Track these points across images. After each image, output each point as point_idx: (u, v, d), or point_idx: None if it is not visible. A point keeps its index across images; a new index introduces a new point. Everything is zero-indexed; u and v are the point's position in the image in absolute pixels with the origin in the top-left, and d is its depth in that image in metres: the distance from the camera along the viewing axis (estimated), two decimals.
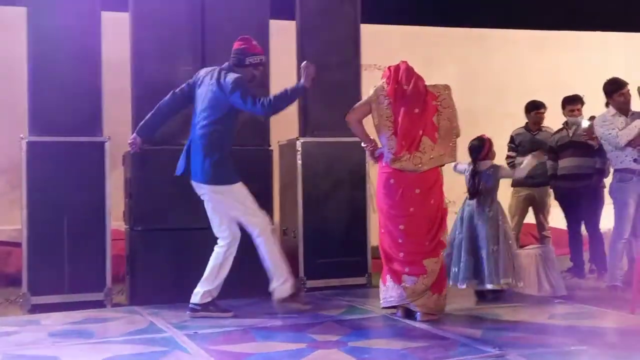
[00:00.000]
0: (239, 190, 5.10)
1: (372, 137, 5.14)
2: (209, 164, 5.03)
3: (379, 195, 5.04)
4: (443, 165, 5.06)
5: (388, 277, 4.98)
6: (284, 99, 4.99)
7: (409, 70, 5.00)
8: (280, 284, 5.15)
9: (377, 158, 5.06)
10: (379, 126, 4.99)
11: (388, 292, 4.97)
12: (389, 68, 5.07)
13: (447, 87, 5.05)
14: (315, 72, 5.07)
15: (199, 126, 5.10)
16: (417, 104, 4.93)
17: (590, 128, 6.67)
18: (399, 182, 4.91)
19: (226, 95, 5.00)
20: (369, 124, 5.16)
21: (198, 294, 5.11)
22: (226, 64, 5.18)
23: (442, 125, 4.94)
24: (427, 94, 4.96)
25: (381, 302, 5.04)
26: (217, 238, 5.18)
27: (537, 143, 7.31)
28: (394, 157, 4.90)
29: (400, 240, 4.93)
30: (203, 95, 5.14)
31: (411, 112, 4.92)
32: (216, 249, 5.16)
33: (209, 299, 5.11)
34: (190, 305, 5.12)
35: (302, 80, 5.03)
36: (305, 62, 5.08)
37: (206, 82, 5.16)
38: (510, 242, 5.65)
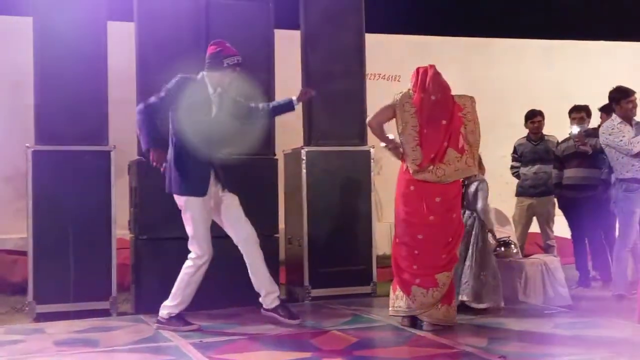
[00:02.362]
0: (190, 206, 4.91)
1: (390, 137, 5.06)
2: (168, 170, 4.95)
3: (398, 202, 4.97)
4: (475, 176, 5.11)
5: (397, 287, 4.94)
6: (140, 128, 4.87)
7: (437, 78, 4.94)
8: (164, 309, 5.00)
9: (402, 155, 4.97)
10: (403, 134, 4.91)
11: (397, 301, 4.92)
12: (417, 71, 5.00)
13: (472, 99, 5.01)
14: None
15: None
16: (445, 115, 4.87)
17: (580, 134, 6.67)
18: (420, 189, 4.85)
19: None
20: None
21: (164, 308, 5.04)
22: (202, 72, 5.05)
23: (469, 137, 4.91)
24: (454, 105, 4.92)
25: (389, 309, 5.02)
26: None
27: (538, 153, 7.33)
28: (417, 168, 4.82)
29: (416, 252, 4.86)
30: None
31: (438, 123, 4.85)
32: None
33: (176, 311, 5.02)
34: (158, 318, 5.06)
35: (144, 144, 4.85)
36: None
37: None
38: (482, 260, 5.43)
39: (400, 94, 4.98)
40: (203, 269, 4.98)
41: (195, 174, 4.91)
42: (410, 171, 4.86)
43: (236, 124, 5.28)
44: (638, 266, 6.44)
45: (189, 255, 5.01)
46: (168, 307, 4.99)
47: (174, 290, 5.01)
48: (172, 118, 4.96)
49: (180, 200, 4.96)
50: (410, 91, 4.97)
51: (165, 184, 5.02)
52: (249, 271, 5.08)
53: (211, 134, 4.97)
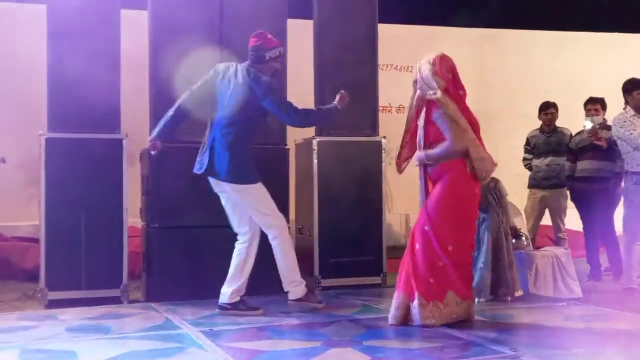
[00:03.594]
0: (259, 190, 5.09)
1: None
2: (234, 163, 5.02)
3: (464, 209, 4.65)
4: None
5: (452, 293, 4.62)
6: (318, 117, 5.45)
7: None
8: (294, 286, 5.17)
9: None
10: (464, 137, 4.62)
11: (448, 308, 4.62)
12: (450, 63, 4.77)
13: None
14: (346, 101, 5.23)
15: (223, 124, 5.06)
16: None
17: (594, 129, 6.66)
18: (479, 191, 4.73)
19: (258, 98, 5.00)
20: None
21: (226, 294, 5.10)
22: (246, 62, 5.14)
23: None
24: None
25: (433, 320, 4.59)
26: (234, 235, 5.19)
27: (551, 145, 7.31)
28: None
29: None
30: (226, 92, 5.09)
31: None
32: (237, 245, 5.17)
33: (238, 298, 5.11)
34: (219, 304, 5.13)
35: (335, 102, 5.17)
36: (342, 92, 5.20)
37: (228, 79, 5.11)
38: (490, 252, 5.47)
39: (441, 92, 4.62)
40: (287, 235, 5.21)
41: (255, 161, 5.13)
42: (486, 170, 4.63)
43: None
44: None
45: (271, 237, 5.12)
46: (294, 285, 5.16)
47: (282, 271, 5.17)
48: (251, 112, 5.05)
49: (249, 189, 5.05)
50: (441, 86, 4.66)
51: (209, 172, 5.11)
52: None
53: (260, 126, 5.24)
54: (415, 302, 4.60)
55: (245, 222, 5.14)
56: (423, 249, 4.63)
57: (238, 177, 5.05)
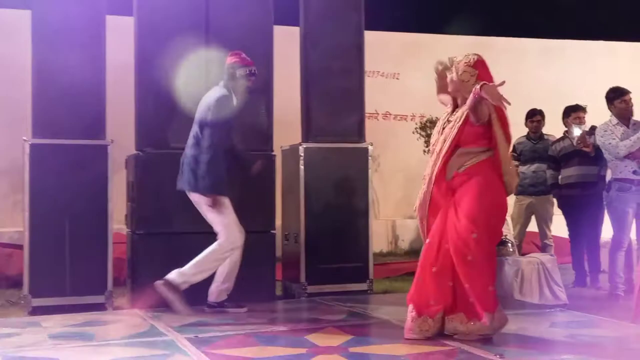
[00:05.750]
0: (223, 201, 5.28)
1: None
2: (194, 173, 5.25)
3: (499, 205, 4.50)
4: None
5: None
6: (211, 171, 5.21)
7: None
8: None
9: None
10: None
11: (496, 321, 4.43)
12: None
13: None
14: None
15: (190, 140, 5.35)
16: None
17: (583, 136, 6.70)
18: None
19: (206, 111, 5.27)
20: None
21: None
22: (222, 81, 5.40)
23: None
24: None
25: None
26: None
27: (537, 152, 7.34)
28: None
29: None
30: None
31: None
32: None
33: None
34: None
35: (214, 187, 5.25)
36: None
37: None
38: None
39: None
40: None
41: (225, 175, 5.28)
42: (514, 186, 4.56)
43: None
44: (631, 265, 6.46)
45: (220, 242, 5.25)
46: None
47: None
48: (209, 125, 5.23)
49: (208, 199, 5.21)
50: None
51: (182, 183, 5.32)
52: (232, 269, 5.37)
53: (232, 139, 5.47)
54: (485, 319, 4.35)
55: None
56: (483, 258, 4.34)
57: (202, 183, 5.25)
